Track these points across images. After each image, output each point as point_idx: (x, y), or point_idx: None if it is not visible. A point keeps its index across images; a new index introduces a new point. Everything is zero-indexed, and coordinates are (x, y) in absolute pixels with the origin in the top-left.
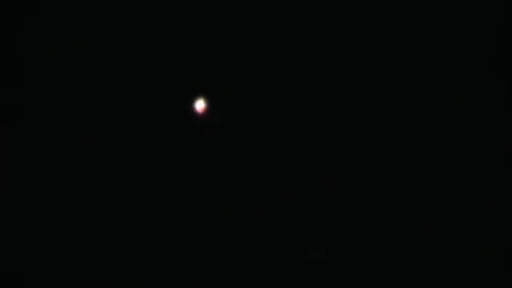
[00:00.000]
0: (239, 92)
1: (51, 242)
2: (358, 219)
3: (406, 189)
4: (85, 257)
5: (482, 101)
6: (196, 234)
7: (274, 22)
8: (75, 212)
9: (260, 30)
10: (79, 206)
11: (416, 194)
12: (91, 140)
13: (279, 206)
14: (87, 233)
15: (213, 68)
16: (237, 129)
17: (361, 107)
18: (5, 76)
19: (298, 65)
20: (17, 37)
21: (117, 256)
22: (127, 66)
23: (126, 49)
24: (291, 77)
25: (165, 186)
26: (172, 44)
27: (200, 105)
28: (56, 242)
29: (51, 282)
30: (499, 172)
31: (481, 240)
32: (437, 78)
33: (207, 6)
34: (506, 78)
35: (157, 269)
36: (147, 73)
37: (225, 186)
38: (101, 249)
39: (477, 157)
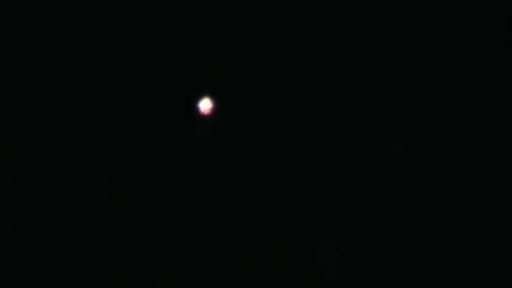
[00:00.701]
0: (238, 93)
1: (51, 242)
2: (354, 219)
3: (405, 189)
4: (85, 257)
5: (483, 101)
6: (195, 234)
7: (275, 24)
8: (75, 213)
9: (260, 32)
10: (79, 206)
11: (415, 194)
12: (92, 140)
13: (275, 206)
14: (86, 233)
15: (213, 69)
16: (237, 130)
17: (360, 108)
18: (4, 76)
19: (297, 67)
20: (17, 37)
21: (116, 256)
22: (129, 67)
23: (129, 50)
24: (290, 79)
25: (166, 186)
26: (175, 45)
27: (204, 105)
28: (55, 242)
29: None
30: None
31: (481, 240)
32: (436, 78)
33: (211, 7)
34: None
35: (156, 268)
36: (149, 74)
37: (222, 186)
38: (101, 249)
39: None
